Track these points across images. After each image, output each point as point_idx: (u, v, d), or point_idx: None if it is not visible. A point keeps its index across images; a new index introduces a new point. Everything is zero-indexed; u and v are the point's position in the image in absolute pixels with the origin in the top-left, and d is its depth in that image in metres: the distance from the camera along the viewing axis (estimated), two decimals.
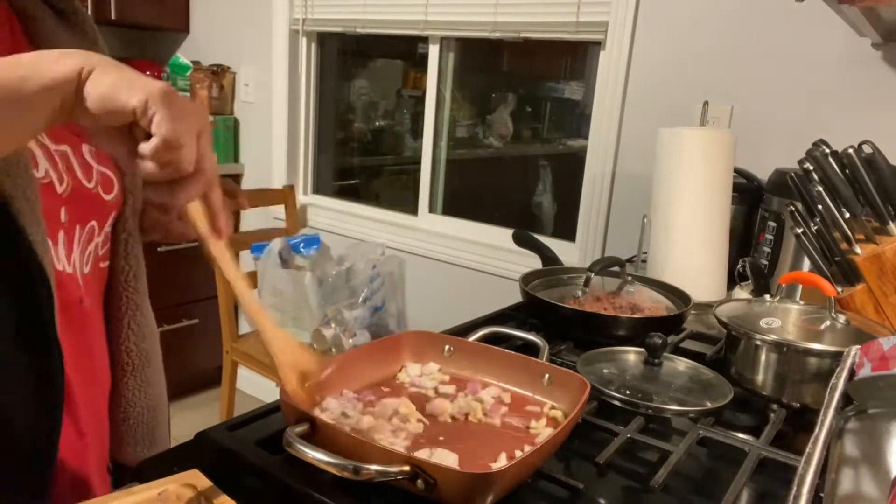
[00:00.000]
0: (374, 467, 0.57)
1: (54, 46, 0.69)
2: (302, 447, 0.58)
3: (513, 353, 0.83)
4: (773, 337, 0.88)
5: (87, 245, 0.74)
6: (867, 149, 1.13)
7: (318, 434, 0.63)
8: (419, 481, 0.57)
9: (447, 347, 0.85)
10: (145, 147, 0.51)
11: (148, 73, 3.03)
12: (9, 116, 0.51)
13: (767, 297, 1.03)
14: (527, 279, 1.16)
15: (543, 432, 0.72)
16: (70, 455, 0.72)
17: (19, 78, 0.50)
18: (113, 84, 0.51)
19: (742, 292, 1.40)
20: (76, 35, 0.78)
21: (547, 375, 0.78)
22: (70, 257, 0.72)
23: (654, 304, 1.12)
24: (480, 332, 0.91)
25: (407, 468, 0.57)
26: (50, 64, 0.51)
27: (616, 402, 0.81)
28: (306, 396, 0.65)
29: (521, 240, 1.69)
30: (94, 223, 0.74)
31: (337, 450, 0.60)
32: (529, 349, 0.88)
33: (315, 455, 0.58)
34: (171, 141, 0.51)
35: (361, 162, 3.12)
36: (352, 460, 0.57)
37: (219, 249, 0.61)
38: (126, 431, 0.84)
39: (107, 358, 0.81)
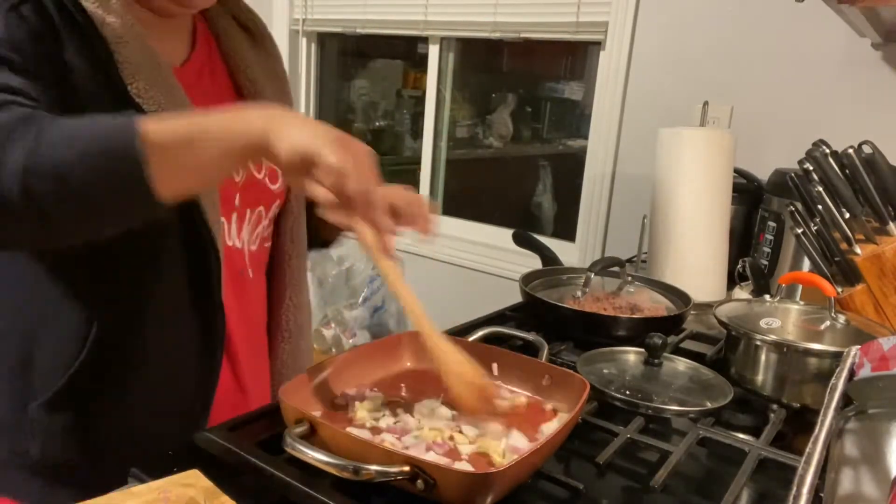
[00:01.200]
0: (373, 467, 0.57)
1: (244, 62, 0.87)
2: (302, 448, 0.59)
3: (513, 352, 0.83)
4: (773, 337, 0.88)
5: (256, 227, 0.88)
6: (867, 149, 1.13)
7: (317, 434, 0.63)
8: (419, 481, 0.57)
9: None
10: (320, 174, 0.61)
11: None
12: (214, 166, 0.64)
13: (767, 297, 1.03)
14: (527, 279, 1.16)
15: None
16: (230, 405, 0.83)
17: (223, 135, 0.62)
18: (294, 134, 0.61)
19: (742, 292, 1.40)
20: (260, 52, 0.91)
21: (547, 375, 0.78)
22: (240, 235, 0.85)
23: (653, 305, 1.12)
24: (480, 333, 0.91)
25: (406, 468, 0.57)
26: (248, 125, 0.62)
27: (616, 403, 0.81)
28: (480, 406, 0.69)
29: (521, 240, 1.69)
30: (261, 208, 0.87)
31: (336, 450, 0.60)
32: (529, 349, 0.88)
33: (315, 455, 0.58)
34: (340, 170, 0.60)
35: None
36: (351, 461, 0.57)
37: (387, 266, 0.68)
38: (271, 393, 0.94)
39: (264, 325, 0.94)
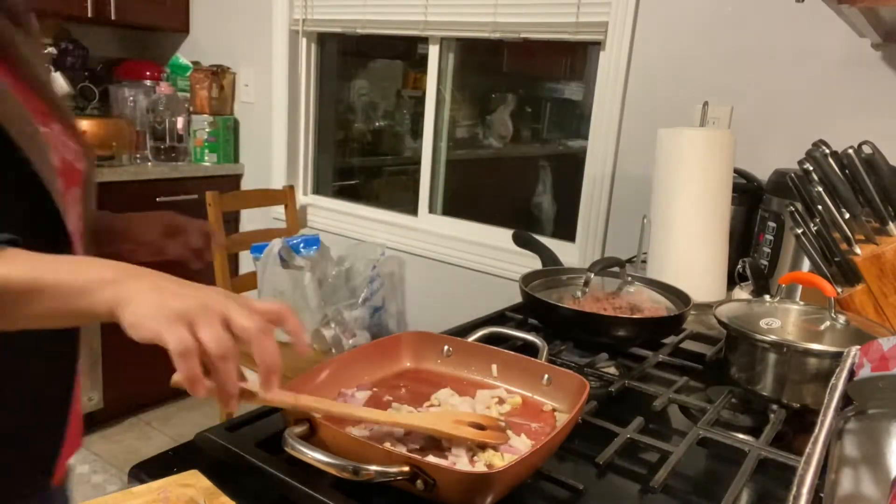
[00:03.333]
0: (373, 468, 0.57)
1: (11, 45, 0.77)
2: (301, 448, 0.59)
3: (512, 353, 0.83)
4: (772, 337, 0.88)
5: (76, 208, 0.82)
6: (867, 149, 1.13)
7: (317, 434, 0.63)
8: (419, 482, 0.57)
9: (446, 348, 0.85)
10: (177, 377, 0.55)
11: (148, 73, 3.03)
12: (45, 320, 0.59)
13: (767, 297, 1.03)
14: (526, 279, 1.16)
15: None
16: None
17: (64, 297, 0.57)
18: (137, 318, 0.55)
19: (742, 293, 1.40)
20: (24, 30, 0.82)
21: (546, 376, 0.78)
22: (70, 219, 0.79)
23: (653, 305, 1.12)
24: (480, 333, 0.91)
25: (406, 468, 0.57)
26: (92, 294, 0.57)
27: None
28: (492, 433, 0.67)
29: (521, 240, 1.69)
30: (77, 189, 0.82)
31: (336, 450, 0.60)
32: (529, 349, 0.88)
33: (315, 456, 0.58)
34: (183, 358, 0.54)
35: (361, 162, 3.12)
36: (351, 461, 0.57)
37: (284, 401, 0.61)
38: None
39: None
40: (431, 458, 0.64)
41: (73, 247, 0.77)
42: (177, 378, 0.54)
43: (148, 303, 0.56)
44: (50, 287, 0.57)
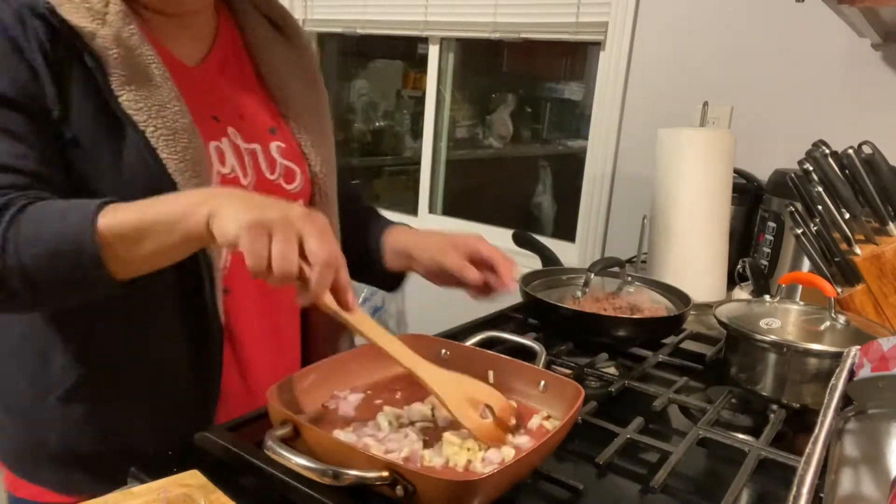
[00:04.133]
0: (353, 472, 0.56)
1: (270, 55, 0.89)
2: (282, 451, 0.58)
3: (509, 358, 0.81)
4: (772, 337, 0.88)
5: None
6: (867, 149, 1.13)
7: (301, 437, 0.62)
8: (398, 487, 0.56)
9: (444, 351, 0.84)
10: (248, 269, 0.60)
11: None
12: (162, 255, 0.66)
13: (767, 297, 1.03)
14: (526, 280, 1.16)
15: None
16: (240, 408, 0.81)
17: (168, 227, 0.64)
18: (224, 222, 0.61)
19: (742, 293, 1.40)
20: (289, 47, 0.93)
21: (542, 382, 0.77)
22: None
23: (653, 305, 1.12)
24: (478, 337, 0.90)
25: (385, 474, 0.56)
26: (190, 215, 0.63)
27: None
28: (492, 429, 0.68)
29: (521, 240, 1.69)
30: None
31: (320, 454, 0.59)
32: (528, 351, 0.88)
33: (296, 460, 0.57)
34: (253, 263, 0.59)
35: (361, 162, 3.12)
36: (333, 465, 0.56)
37: (358, 321, 0.66)
38: None
39: (297, 326, 0.94)
40: (427, 454, 0.64)
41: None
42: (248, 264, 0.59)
43: (233, 213, 0.61)
44: (153, 223, 0.64)
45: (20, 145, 0.69)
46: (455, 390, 0.69)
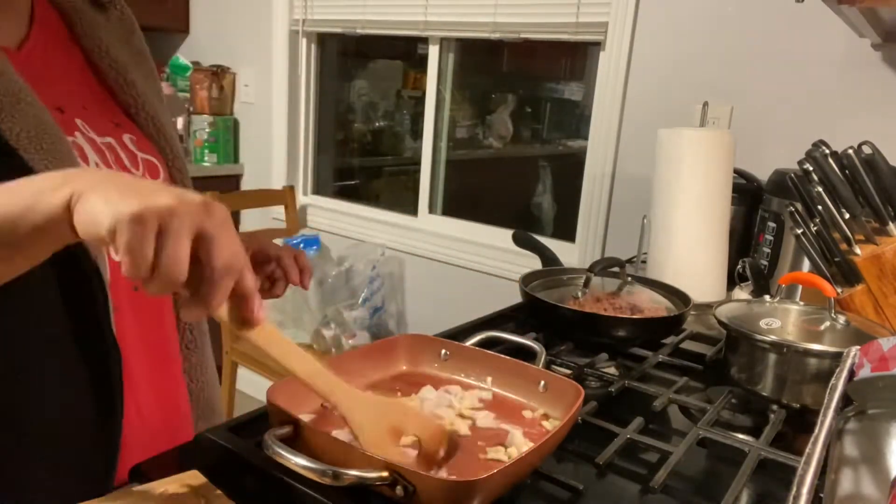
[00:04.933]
0: (353, 472, 0.56)
1: (97, 37, 0.77)
2: (281, 451, 0.57)
3: (509, 359, 0.82)
4: (772, 337, 0.88)
5: None
6: (867, 149, 1.13)
7: (301, 437, 0.62)
8: (398, 488, 0.56)
9: (444, 352, 0.84)
10: (123, 272, 0.46)
11: None
12: (8, 253, 0.51)
13: (767, 297, 1.03)
14: (526, 280, 1.16)
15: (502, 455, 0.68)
16: (139, 446, 0.73)
17: (15, 216, 0.48)
18: (91, 211, 0.46)
19: (742, 293, 1.40)
20: (117, 28, 0.81)
21: (542, 382, 0.78)
22: None
23: (653, 305, 1.12)
24: (478, 337, 0.90)
25: (385, 474, 0.55)
26: (42, 198, 0.48)
27: None
28: (413, 465, 0.61)
29: (521, 240, 1.69)
30: None
31: (319, 453, 0.59)
32: (528, 351, 0.88)
33: (296, 460, 0.57)
34: (134, 270, 0.45)
35: (361, 162, 3.12)
36: (333, 465, 0.56)
37: (263, 337, 0.55)
38: (193, 407, 0.87)
39: (173, 341, 0.83)
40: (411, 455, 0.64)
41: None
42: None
43: (106, 198, 0.46)
44: (21, 200, 0.49)
45: None
46: (375, 419, 0.62)
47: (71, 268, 0.65)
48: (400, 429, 0.63)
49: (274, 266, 0.86)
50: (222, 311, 0.51)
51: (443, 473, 0.63)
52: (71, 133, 0.70)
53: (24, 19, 0.73)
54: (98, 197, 0.46)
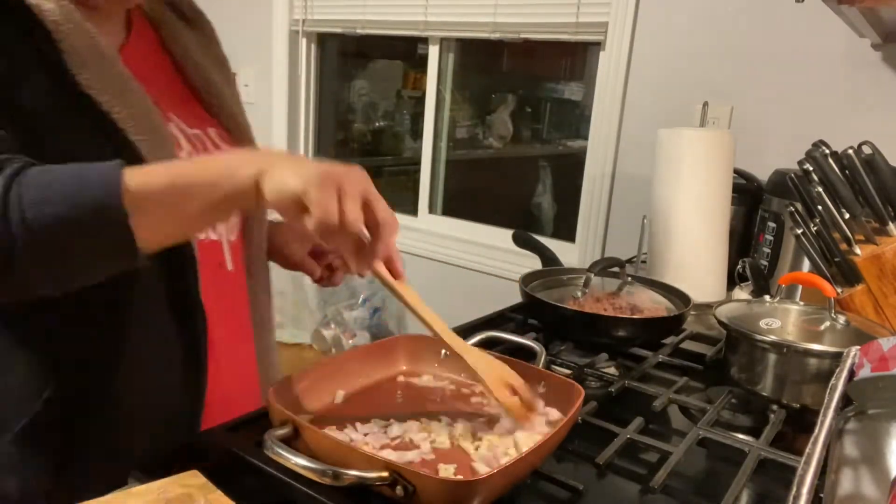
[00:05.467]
0: (353, 472, 0.56)
1: (183, 48, 0.86)
2: (281, 451, 0.58)
3: (509, 358, 0.81)
4: (772, 337, 0.88)
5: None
6: (867, 149, 1.13)
7: (301, 437, 0.62)
8: (398, 488, 0.56)
9: (444, 352, 0.84)
10: (308, 225, 0.58)
11: None
12: (199, 218, 0.63)
13: (767, 297, 1.03)
14: (526, 280, 1.16)
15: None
16: (218, 413, 0.78)
17: (211, 186, 0.60)
18: (282, 178, 0.59)
19: (742, 293, 1.40)
20: (201, 38, 0.90)
21: (542, 382, 0.78)
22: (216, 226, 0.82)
23: (653, 305, 1.12)
24: (478, 337, 0.90)
25: (385, 474, 0.56)
26: (235, 172, 0.60)
27: None
28: (520, 408, 0.70)
29: (521, 240, 1.69)
30: None
31: (320, 454, 0.59)
32: (528, 352, 0.88)
33: (295, 460, 0.57)
34: (327, 216, 0.57)
35: (361, 162, 3.08)
36: (333, 465, 0.56)
37: (406, 291, 0.68)
38: (260, 384, 0.92)
39: (247, 320, 0.90)
40: (411, 455, 0.64)
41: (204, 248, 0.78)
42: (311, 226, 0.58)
43: (292, 169, 0.59)
44: (190, 183, 0.60)
45: None
46: (491, 370, 0.71)
47: (169, 247, 0.71)
48: (506, 379, 0.72)
49: (332, 256, 0.98)
50: (380, 266, 0.65)
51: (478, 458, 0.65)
52: (166, 123, 0.77)
53: (122, 27, 0.81)
54: (285, 169, 0.59)
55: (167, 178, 0.60)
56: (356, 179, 0.60)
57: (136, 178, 0.58)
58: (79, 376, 0.72)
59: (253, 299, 0.90)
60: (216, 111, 0.87)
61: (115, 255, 0.60)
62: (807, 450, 0.56)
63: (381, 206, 0.61)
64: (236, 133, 0.89)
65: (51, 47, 0.65)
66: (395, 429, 0.70)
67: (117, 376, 0.73)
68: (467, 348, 0.73)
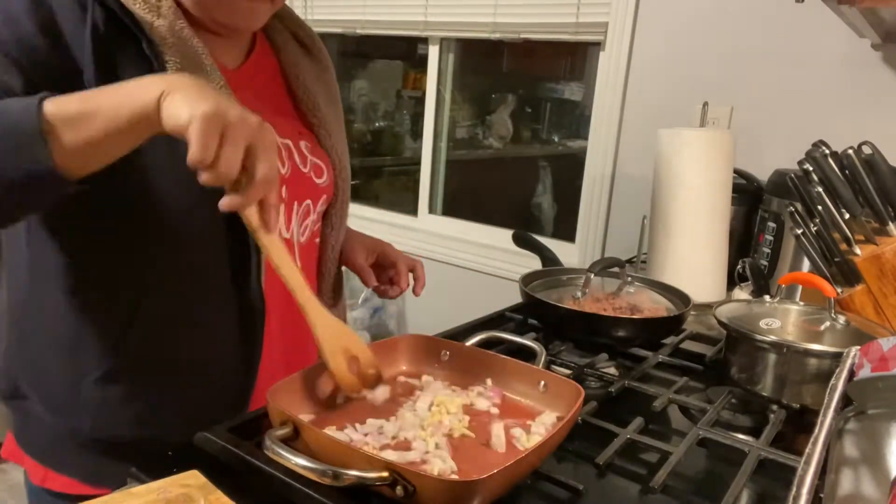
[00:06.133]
0: (353, 472, 0.56)
1: (300, 71, 0.94)
2: (281, 451, 0.58)
3: (509, 358, 0.82)
4: (772, 338, 0.88)
5: (305, 219, 0.92)
6: (867, 150, 1.13)
7: (301, 437, 0.62)
8: (398, 488, 0.56)
9: (444, 352, 0.84)
10: (188, 158, 0.59)
11: None
12: (111, 137, 0.63)
13: (767, 297, 1.03)
14: (526, 280, 1.16)
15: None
16: (264, 386, 0.82)
17: (115, 108, 0.62)
18: (177, 104, 0.59)
19: (742, 293, 1.40)
20: (315, 65, 0.98)
21: (542, 382, 0.78)
22: (289, 226, 0.89)
23: (653, 305, 1.12)
24: (478, 337, 0.90)
25: (385, 474, 0.56)
26: (139, 95, 0.61)
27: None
28: (354, 380, 0.73)
29: (521, 240, 1.69)
30: (308, 202, 0.91)
31: (319, 453, 0.59)
32: (528, 352, 0.88)
33: (295, 460, 0.57)
34: (200, 155, 0.58)
35: (361, 163, 3.12)
36: (333, 465, 0.56)
37: (270, 242, 0.69)
38: None
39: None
40: (411, 455, 0.64)
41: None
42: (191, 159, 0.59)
43: (189, 98, 0.59)
44: (98, 104, 0.62)
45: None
46: (334, 338, 0.73)
47: (237, 230, 0.77)
48: (349, 350, 0.74)
49: (393, 271, 1.06)
50: (251, 212, 0.66)
51: (439, 461, 0.64)
52: None
53: (245, 48, 0.90)
54: (182, 96, 0.59)
55: (79, 102, 0.62)
56: (247, 126, 0.60)
57: (52, 103, 0.62)
58: (147, 335, 0.80)
59: (329, 301, 0.97)
60: (316, 129, 0.95)
61: (39, 177, 0.63)
62: (807, 450, 0.56)
63: (264, 158, 0.61)
64: (328, 149, 0.95)
65: (158, 58, 0.74)
66: (395, 429, 0.70)
67: (179, 340, 0.82)
68: (319, 312, 0.72)
